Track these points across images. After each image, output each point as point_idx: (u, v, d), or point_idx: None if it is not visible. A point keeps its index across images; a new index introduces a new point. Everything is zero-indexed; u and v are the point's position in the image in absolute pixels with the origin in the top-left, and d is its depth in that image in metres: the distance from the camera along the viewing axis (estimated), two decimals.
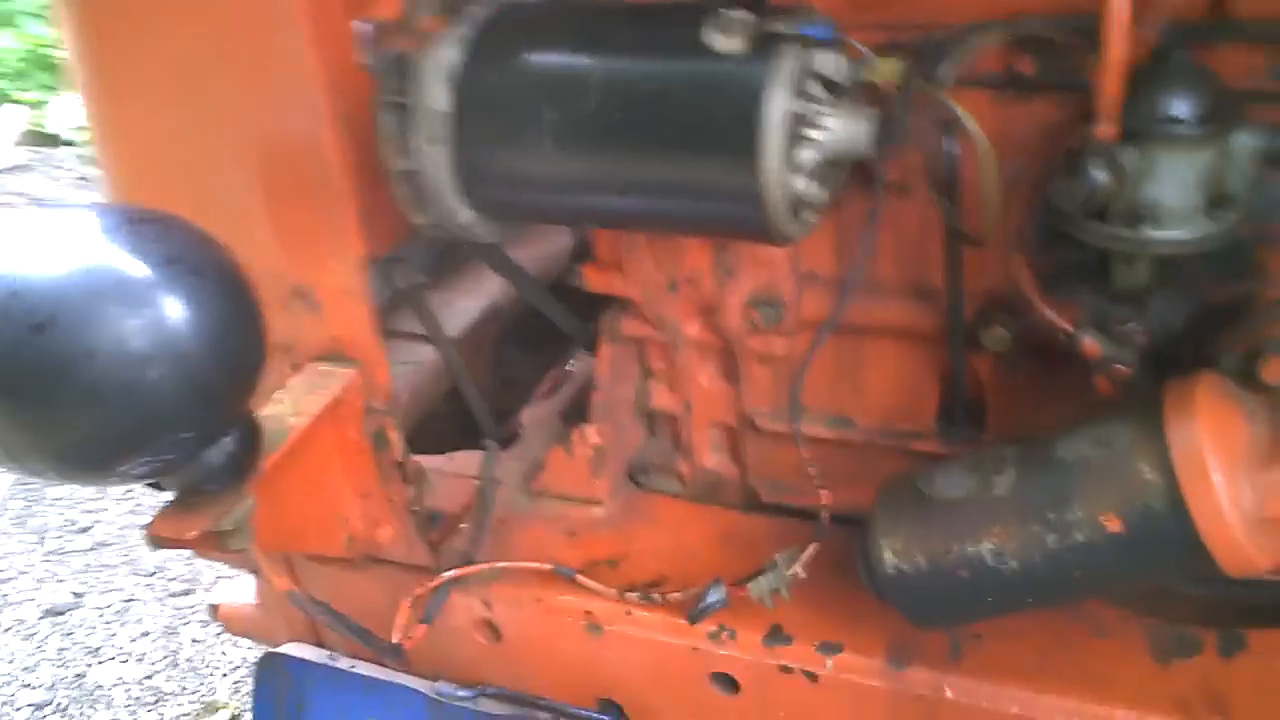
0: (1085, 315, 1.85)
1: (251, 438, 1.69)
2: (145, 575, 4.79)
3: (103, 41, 1.95)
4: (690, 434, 2.42)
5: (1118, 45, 1.43)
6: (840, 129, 1.58)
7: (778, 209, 1.56)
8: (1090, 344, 1.81)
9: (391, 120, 1.69)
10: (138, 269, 1.41)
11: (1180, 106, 1.51)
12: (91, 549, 4.92)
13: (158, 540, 1.66)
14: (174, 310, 1.41)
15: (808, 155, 1.58)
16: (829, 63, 1.57)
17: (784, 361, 2.22)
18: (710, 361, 2.33)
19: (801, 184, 1.58)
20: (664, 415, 2.46)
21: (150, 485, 1.67)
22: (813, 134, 1.57)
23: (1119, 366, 1.81)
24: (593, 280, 2.21)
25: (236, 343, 1.52)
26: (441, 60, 1.66)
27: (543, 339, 3.20)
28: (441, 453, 2.99)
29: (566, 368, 3.29)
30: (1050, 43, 1.75)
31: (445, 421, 3.29)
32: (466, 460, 2.73)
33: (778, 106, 1.49)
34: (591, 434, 2.35)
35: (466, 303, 3.17)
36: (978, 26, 1.76)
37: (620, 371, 2.38)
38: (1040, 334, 1.89)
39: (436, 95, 1.66)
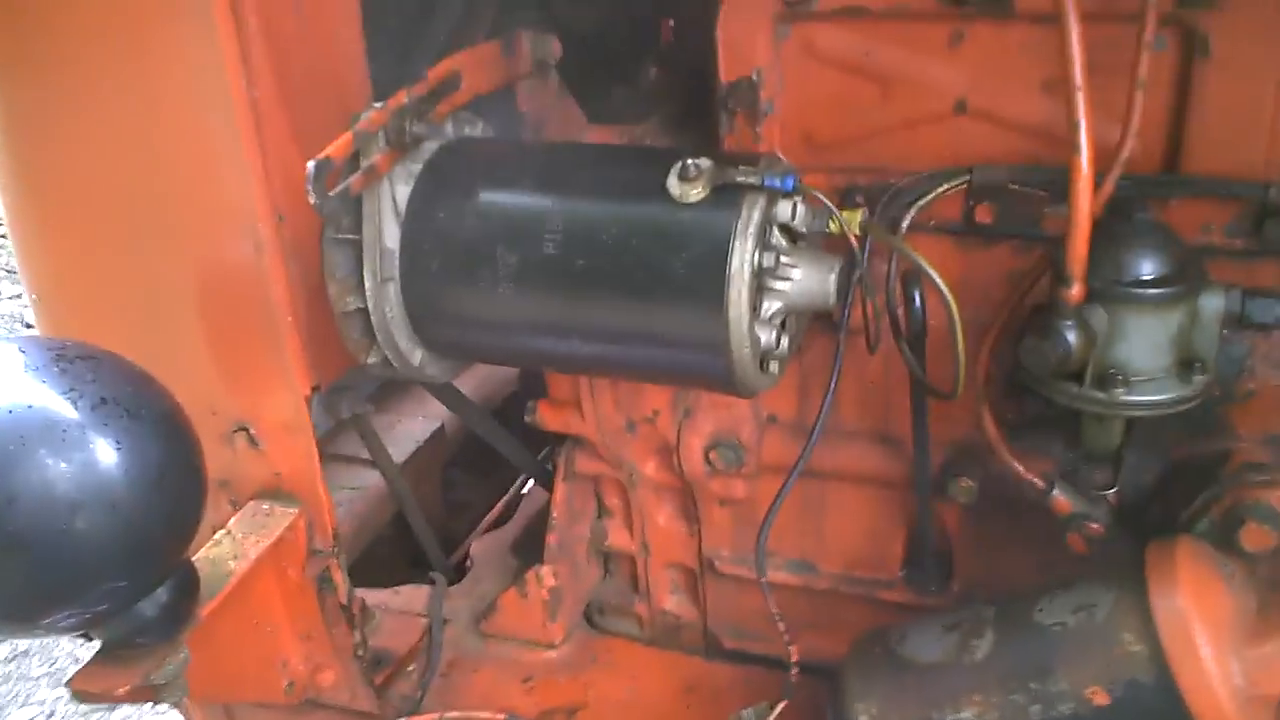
0: (1055, 470, 1.81)
1: (188, 586, 1.58)
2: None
3: (33, 157, 1.87)
4: (648, 575, 2.33)
5: (1085, 205, 1.41)
6: (804, 279, 1.53)
7: (743, 362, 1.50)
8: (1061, 501, 1.76)
9: (340, 258, 1.63)
10: (66, 409, 1.32)
11: (1147, 267, 1.49)
12: (11, 659, 4.63)
13: (83, 695, 1.53)
14: (105, 454, 1.32)
15: (773, 306, 1.53)
16: (791, 212, 1.54)
17: (745, 504, 2.15)
18: (668, 501, 2.25)
19: (767, 336, 1.52)
20: (621, 555, 2.37)
21: (79, 635, 1.56)
22: (777, 285, 1.52)
23: (1092, 524, 1.76)
24: (547, 418, 2.14)
25: (174, 489, 1.42)
26: (393, 197, 1.60)
27: (492, 462, 3.11)
28: (387, 586, 2.87)
29: (518, 493, 3.20)
30: (1009, 191, 1.74)
31: (391, 547, 3.17)
32: (413, 596, 2.61)
33: (743, 258, 1.45)
34: (547, 576, 2.25)
35: (412, 425, 3.08)
36: (937, 174, 1.74)
37: (576, 510, 2.29)
38: (1008, 486, 1.83)
39: (388, 233, 1.61)
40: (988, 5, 1.64)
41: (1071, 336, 1.47)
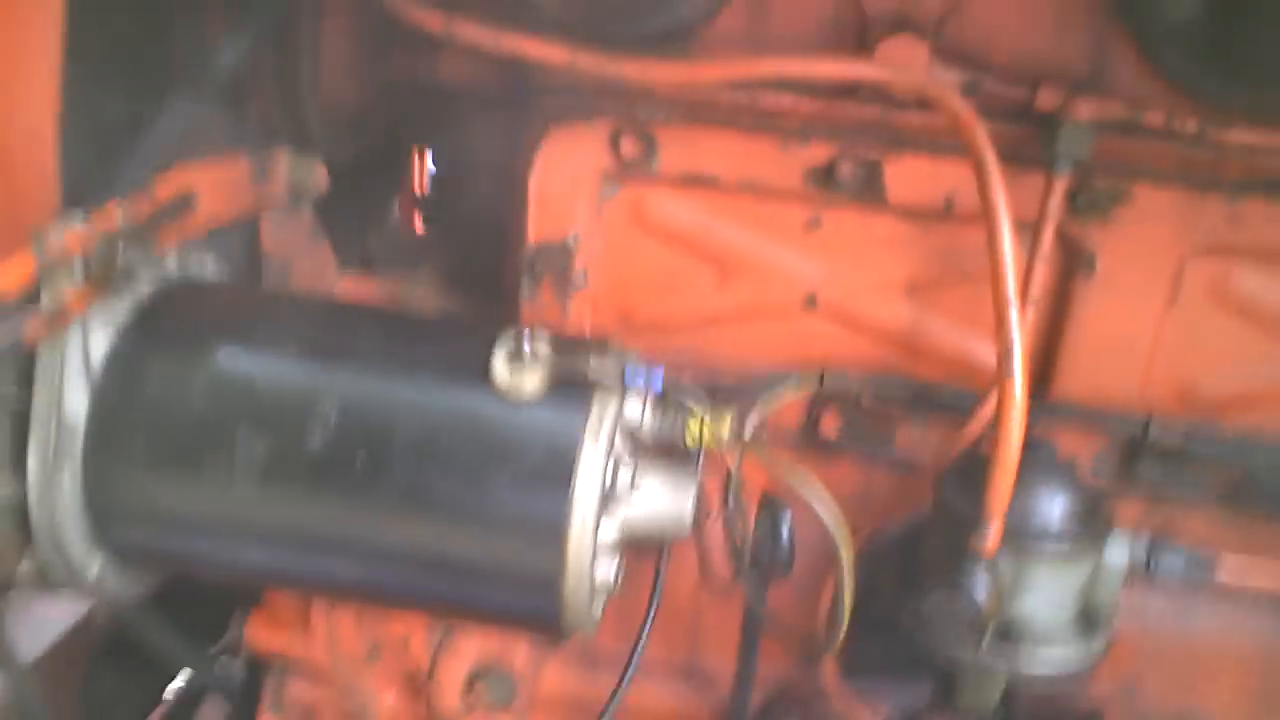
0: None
1: None
2: None
3: None
4: None
5: (1016, 439, 1.16)
6: (657, 502, 1.19)
7: (577, 602, 1.13)
8: None
9: None
10: None
11: (1058, 512, 1.27)
12: None
13: None
14: None
15: (613, 534, 1.18)
16: (640, 412, 1.21)
17: None
18: None
19: (605, 570, 1.17)
20: None
21: None
22: (624, 510, 1.17)
23: None
24: (260, 638, 1.63)
25: None
26: (83, 350, 1.12)
27: (149, 655, 2.48)
28: None
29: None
30: (858, 403, 1.52)
31: None
32: None
33: (592, 475, 1.09)
34: None
35: (52, 611, 2.40)
36: (781, 377, 1.49)
37: None
38: None
39: (70, 398, 1.12)
40: (857, 190, 1.42)
41: (982, 591, 1.21)
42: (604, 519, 1.17)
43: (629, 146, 1.46)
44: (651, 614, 1.43)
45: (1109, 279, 1.39)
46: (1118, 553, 1.30)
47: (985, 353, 1.35)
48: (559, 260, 1.52)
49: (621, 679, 1.44)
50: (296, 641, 1.62)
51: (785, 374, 1.50)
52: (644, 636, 1.42)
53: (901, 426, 1.51)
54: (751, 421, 1.45)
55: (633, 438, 1.21)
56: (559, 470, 1.08)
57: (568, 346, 1.15)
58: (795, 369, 1.51)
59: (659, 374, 1.14)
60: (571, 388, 1.13)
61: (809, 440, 1.54)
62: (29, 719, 2.12)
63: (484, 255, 1.68)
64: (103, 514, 1.17)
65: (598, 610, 1.24)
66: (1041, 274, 1.31)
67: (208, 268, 1.35)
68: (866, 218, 1.46)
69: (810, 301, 1.51)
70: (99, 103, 1.39)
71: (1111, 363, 1.42)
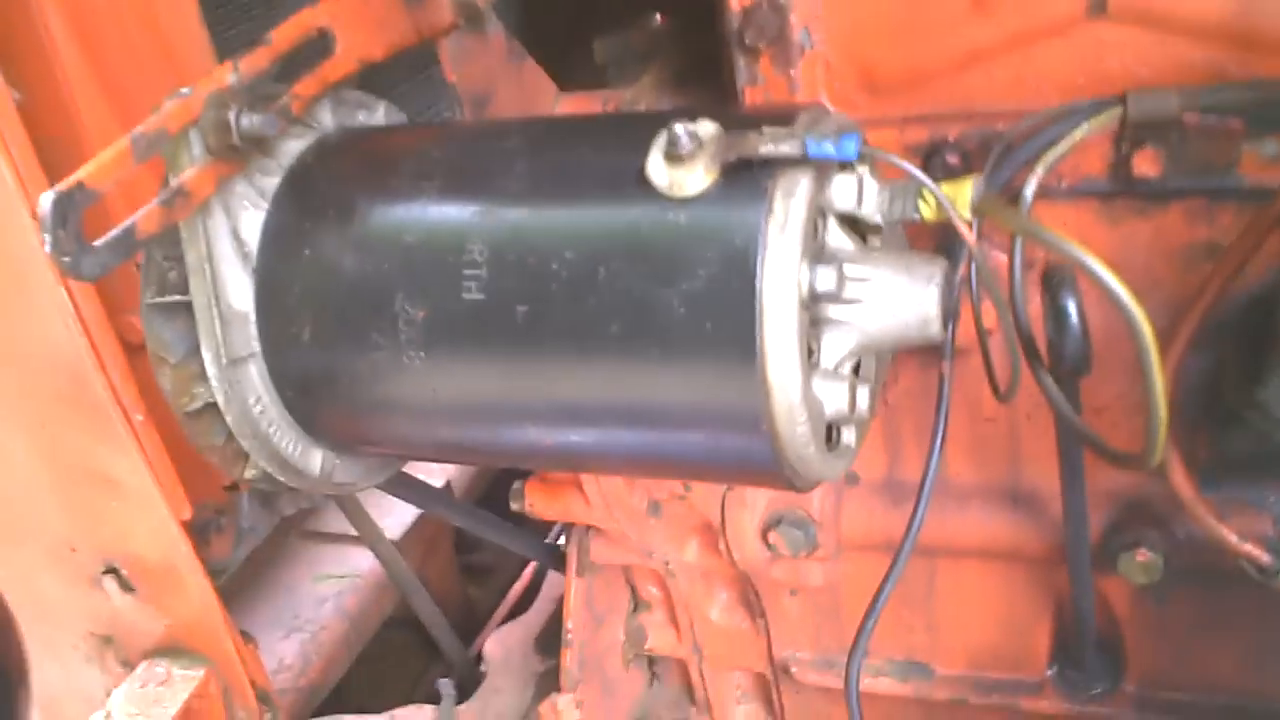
0: (1277, 538, 1.21)
1: None
2: None
3: None
4: (705, 683, 1.75)
5: None
6: (887, 300, 0.94)
7: (798, 442, 0.92)
8: None
9: (169, 333, 1.06)
10: None
11: None
12: None
13: None
14: None
15: (841, 349, 0.94)
16: (856, 194, 0.95)
17: (825, 592, 1.57)
18: (722, 589, 1.67)
19: (834, 396, 0.93)
20: (668, 660, 1.80)
21: None
22: (844, 315, 0.93)
23: None
24: (539, 505, 1.56)
25: None
26: (232, 232, 1.04)
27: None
28: (401, 691, 2.34)
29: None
30: (1184, 126, 1.13)
31: (403, 637, 2.63)
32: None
33: (783, 280, 0.85)
34: (567, 708, 1.68)
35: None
36: (1071, 112, 1.14)
37: (599, 612, 1.73)
38: (1207, 553, 1.24)
39: (231, 288, 1.04)
40: None
41: None
42: (820, 331, 0.93)
43: None
44: (939, 437, 1.19)
45: None
46: None
47: None
48: (772, 24, 1.24)
49: (913, 516, 1.22)
50: (574, 506, 1.53)
51: (1078, 105, 1.15)
52: (931, 466, 1.19)
53: (1247, 147, 1.11)
54: (1036, 175, 1.12)
55: (844, 222, 0.95)
56: (739, 278, 0.85)
57: (741, 122, 0.91)
58: (1092, 97, 1.15)
59: (854, 135, 0.86)
60: (748, 175, 0.89)
61: (1125, 185, 1.18)
62: (404, 591, 2.27)
63: (707, 41, 1.43)
64: (298, 406, 1.11)
65: (847, 444, 1.02)
66: None
67: (376, 114, 1.23)
68: None
69: (1096, 5, 1.13)
70: None
71: None
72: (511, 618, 2.38)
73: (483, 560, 2.83)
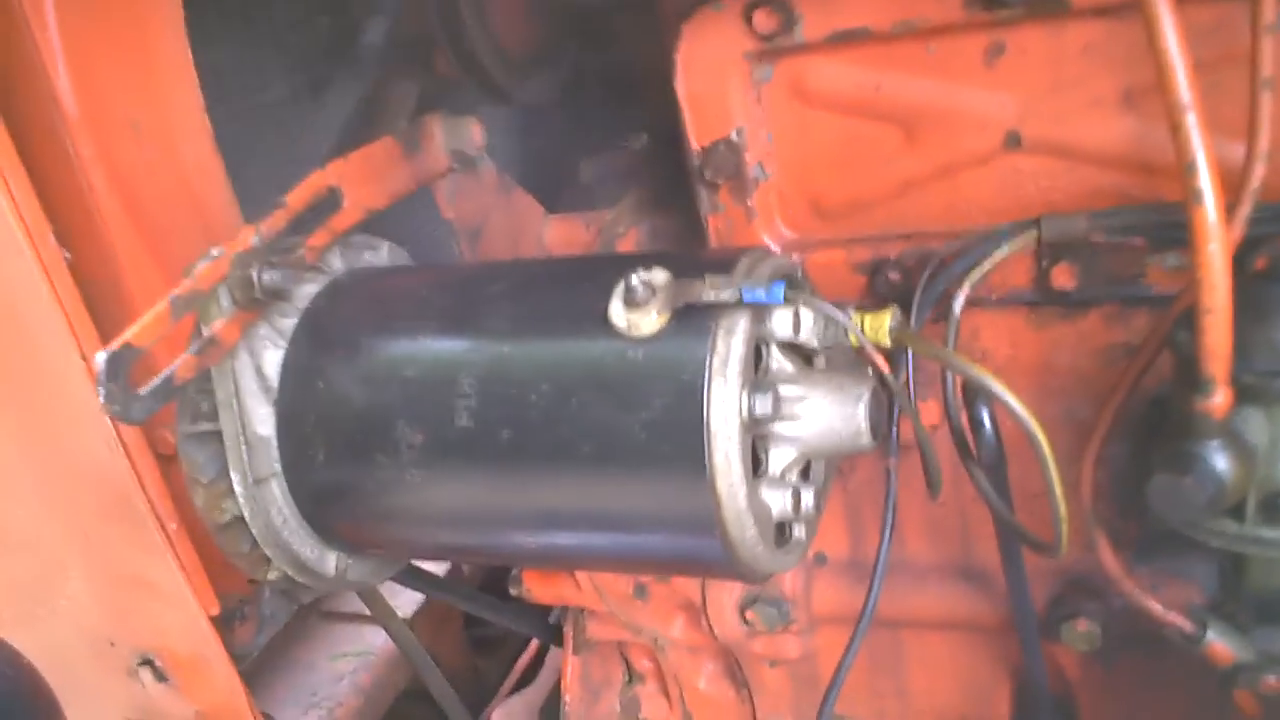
0: (1205, 605, 1.33)
1: None
2: None
3: None
4: None
5: (1222, 277, 0.93)
6: (823, 415, 1.08)
7: (747, 543, 1.06)
8: (1219, 648, 1.28)
9: (202, 457, 1.22)
10: None
11: None
12: None
13: None
14: None
15: (783, 459, 1.09)
16: (793, 324, 1.09)
17: (803, 662, 1.69)
18: (707, 660, 1.80)
19: (780, 501, 1.08)
20: None
21: None
22: (785, 430, 1.08)
23: (1269, 679, 1.27)
24: (536, 591, 1.70)
25: None
26: (256, 370, 1.19)
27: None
28: None
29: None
30: (1093, 244, 1.28)
31: (416, 712, 2.75)
32: None
33: (726, 406, 1.00)
34: None
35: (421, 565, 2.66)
36: (994, 233, 1.29)
37: (596, 684, 1.85)
38: (1142, 620, 1.36)
39: (256, 418, 1.20)
40: (1034, 3, 1.19)
41: (1221, 463, 0.99)
42: (766, 445, 1.08)
43: (764, 20, 1.31)
44: (888, 528, 1.33)
45: None
46: None
47: (1236, 152, 1.07)
48: (728, 162, 1.40)
49: (869, 593, 1.35)
50: (567, 591, 1.67)
51: (1000, 227, 1.30)
52: (883, 550, 1.32)
53: (1151, 260, 1.26)
54: (964, 291, 1.27)
55: (786, 348, 1.10)
56: (689, 407, 1.00)
57: (691, 267, 1.07)
58: (1014, 219, 1.30)
59: (780, 283, 1.02)
60: (696, 316, 1.04)
61: (1046, 295, 1.33)
62: (417, 666, 2.38)
63: (677, 167, 1.59)
64: (315, 518, 1.25)
65: (798, 539, 1.16)
66: (1270, 49, 1.01)
67: (380, 254, 1.39)
68: (1054, 31, 1.21)
69: (1012, 141, 1.29)
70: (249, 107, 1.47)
71: None
72: (519, 688, 2.50)
73: (492, 633, 2.95)
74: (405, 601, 2.55)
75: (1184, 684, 1.51)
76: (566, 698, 1.81)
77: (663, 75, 1.41)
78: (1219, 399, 0.97)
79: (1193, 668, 1.45)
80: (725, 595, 1.60)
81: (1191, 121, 0.89)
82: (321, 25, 1.59)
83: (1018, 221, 1.29)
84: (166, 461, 1.41)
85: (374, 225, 1.39)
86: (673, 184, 1.65)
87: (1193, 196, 0.90)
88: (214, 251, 1.13)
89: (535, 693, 2.31)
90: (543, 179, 1.77)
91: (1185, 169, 0.90)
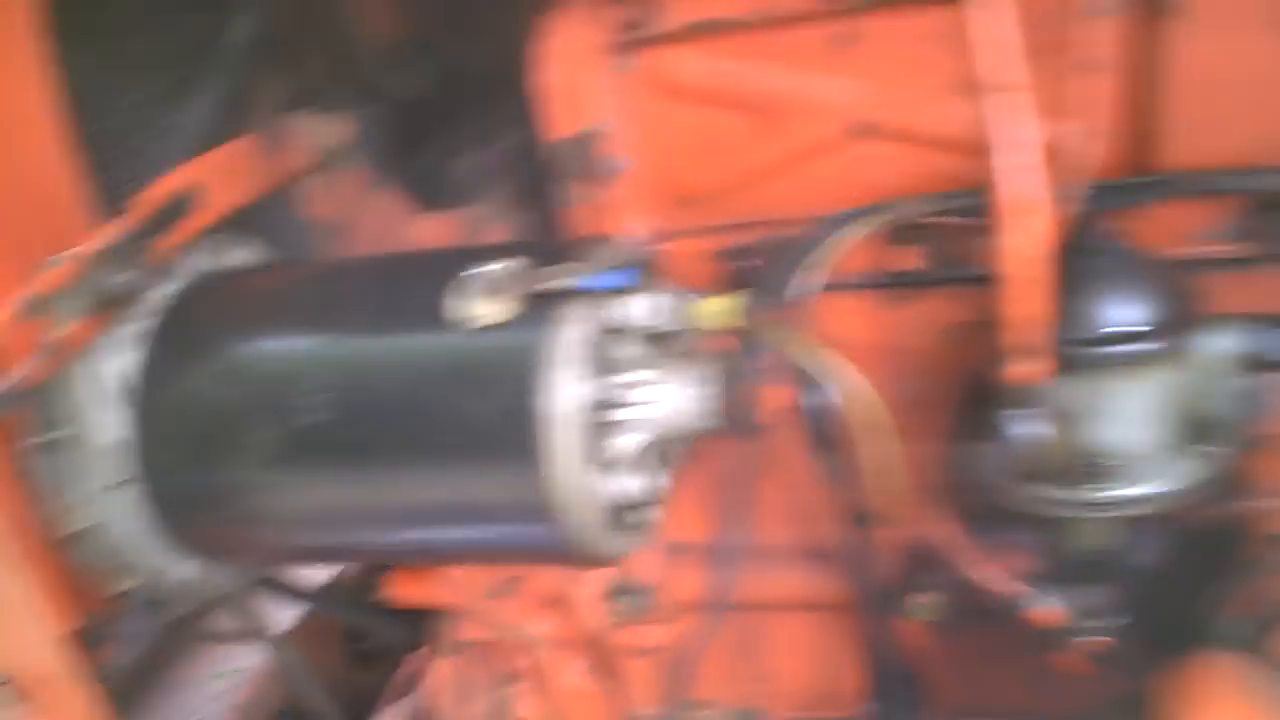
0: (1038, 573, 1.43)
1: None
2: None
3: None
4: None
5: (1023, 240, 1.01)
6: (669, 398, 1.14)
7: (585, 527, 1.10)
8: (1046, 612, 1.38)
9: (50, 467, 1.20)
10: None
11: (1129, 313, 1.09)
12: None
13: None
14: None
15: (628, 443, 1.13)
16: (643, 310, 1.14)
17: (669, 651, 1.74)
18: (576, 655, 1.83)
19: (621, 484, 1.12)
20: None
21: None
22: (629, 415, 1.12)
23: (1093, 638, 1.37)
24: (402, 593, 1.71)
25: None
26: (105, 374, 1.19)
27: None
28: None
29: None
30: (936, 227, 1.36)
31: None
32: None
33: (563, 393, 1.04)
34: None
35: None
36: (843, 217, 1.36)
37: (467, 686, 1.86)
38: (978, 593, 1.45)
39: (105, 423, 1.19)
40: None
41: (1039, 430, 1.07)
42: (609, 430, 1.12)
43: (623, 11, 1.36)
44: (743, 511, 1.38)
45: (1197, 15, 1.14)
46: (1220, 343, 1.10)
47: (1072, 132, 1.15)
48: (583, 155, 1.45)
49: (722, 579, 1.40)
50: (435, 590, 1.69)
51: (849, 212, 1.37)
52: (737, 535, 1.38)
53: (984, 241, 1.34)
54: (817, 275, 1.33)
55: (650, 338, 1.15)
56: (528, 394, 1.04)
57: (544, 256, 1.11)
58: (864, 204, 1.37)
59: (632, 270, 1.07)
60: (542, 305, 1.08)
61: (894, 277, 1.40)
62: (294, 684, 2.35)
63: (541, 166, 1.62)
64: (170, 524, 1.25)
65: (645, 521, 1.20)
66: (1108, 30, 1.09)
67: (247, 254, 1.39)
68: (898, 19, 1.29)
69: (860, 127, 1.36)
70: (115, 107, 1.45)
71: (1219, 114, 1.19)
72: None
73: (375, 647, 2.92)
74: (283, 618, 2.52)
75: (1022, 649, 1.60)
76: (438, 702, 1.83)
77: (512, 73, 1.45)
78: (1034, 366, 1.04)
79: (1029, 633, 1.55)
80: (590, 588, 1.64)
81: (998, 102, 0.95)
82: (188, 24, 1.56)
83: (866, 206, 1.36)
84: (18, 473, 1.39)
85: (242, 224, 1.39)
86: (544, 179, 1.69)
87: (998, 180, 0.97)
88: (63, 255, 1.13)
89: (414, 702, 2.31)
90: (413, 176, 1.78)
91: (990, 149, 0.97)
